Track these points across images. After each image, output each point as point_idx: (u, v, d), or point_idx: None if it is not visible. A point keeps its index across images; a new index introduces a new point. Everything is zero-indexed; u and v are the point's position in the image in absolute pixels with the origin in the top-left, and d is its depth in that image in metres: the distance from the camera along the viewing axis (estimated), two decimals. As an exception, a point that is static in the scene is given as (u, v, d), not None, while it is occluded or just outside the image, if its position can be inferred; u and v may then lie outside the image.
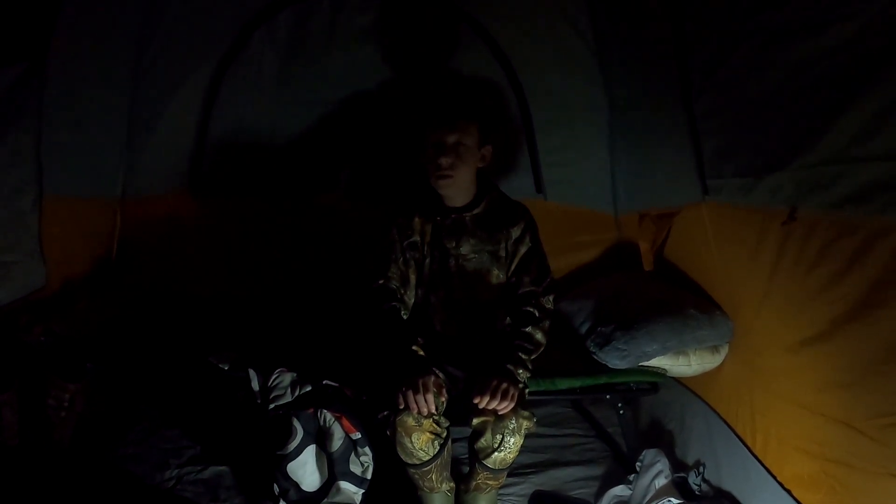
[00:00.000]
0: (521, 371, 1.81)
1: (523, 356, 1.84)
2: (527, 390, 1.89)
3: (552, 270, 2.05)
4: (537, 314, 1.93)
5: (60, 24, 2.29)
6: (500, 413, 1.74)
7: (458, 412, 1.85)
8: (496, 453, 1.79)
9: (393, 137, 2.91)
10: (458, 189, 1.99)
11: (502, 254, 2.02)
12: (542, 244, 2.05)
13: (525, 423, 1.77)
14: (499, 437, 1.76)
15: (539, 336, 1.91)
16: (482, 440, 1.80)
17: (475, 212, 2.02)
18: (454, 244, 2.01)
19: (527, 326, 1.90)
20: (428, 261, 2.03)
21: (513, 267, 2.02)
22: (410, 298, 2.05)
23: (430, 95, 2.87)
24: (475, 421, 1.80)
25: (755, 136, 1.81)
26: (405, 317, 2.01)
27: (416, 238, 2.03)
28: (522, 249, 2.01)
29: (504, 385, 1.73)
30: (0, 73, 2.12)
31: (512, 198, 2.13)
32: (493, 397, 1.72)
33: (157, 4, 2.78)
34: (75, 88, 2.48)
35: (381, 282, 2.01)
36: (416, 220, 2.03)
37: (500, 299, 2.04)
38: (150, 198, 2.94)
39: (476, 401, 1.74)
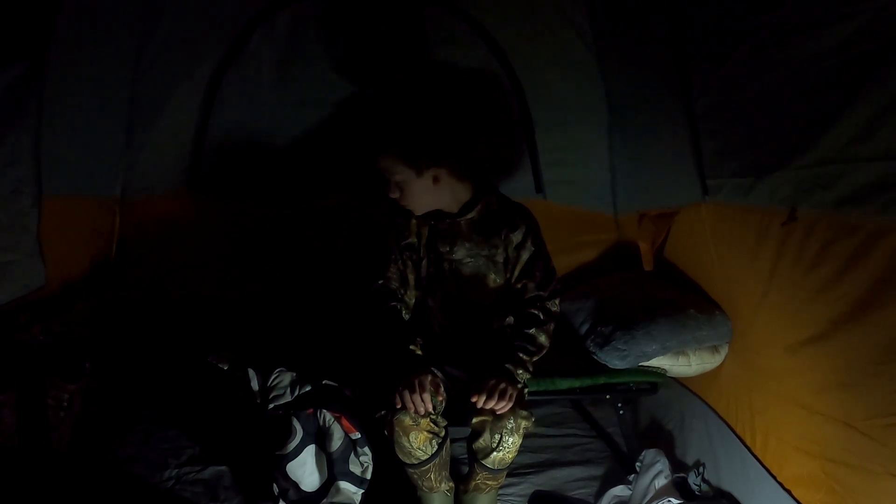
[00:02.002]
0: (520, 371, 1.81)
1: (524, 357, 1.84)
2: (526, 390, 1.89)
3: (553, 271, 2.04)
4: (542, 317, 1.91)
5: (60, 24, 2.28)
6: (497, 413, 1.74)
7: (458, 412, 1.85)
8: (495, 453, 1.78)
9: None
10: (425, 208, 1.95)
11: (499, 258, 1.99)
12: (545, 246, 2.01)
13: (523, 423, 1.77)
14: (497, 436, 1.76)
15: (542, 339, 1.89)
16: (481, 440, 1.80)
17: (470, 216, 1.97)
18: (448, 248, 1.98)
19: (530, 328, 1.89)
20: (424, 263, 2.02)
21: (516, 273, 1.98)
22: (411, 299, 2.04)
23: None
24: (474, 420, 1.80)
25: (755, 136, 1.81)
26: (406, 317, 2.00)
27: (413, 240, 2.02)
28: (525, 255, 1.97)
29: (502, 385, 1.73)
30: (0, 73, 2.12)
31: (512, 198, 2.09)
32: (490, 397, 1.71)
33: (157, 5, 2.78)
34: (75, 88, 2.48)
35: (380, 282, 2.01)
36: (413, 221, 2.01)
37: (498, 302, 2.03)
38: (150, 198, 2.94)
39: (473, 400, 1.73)
